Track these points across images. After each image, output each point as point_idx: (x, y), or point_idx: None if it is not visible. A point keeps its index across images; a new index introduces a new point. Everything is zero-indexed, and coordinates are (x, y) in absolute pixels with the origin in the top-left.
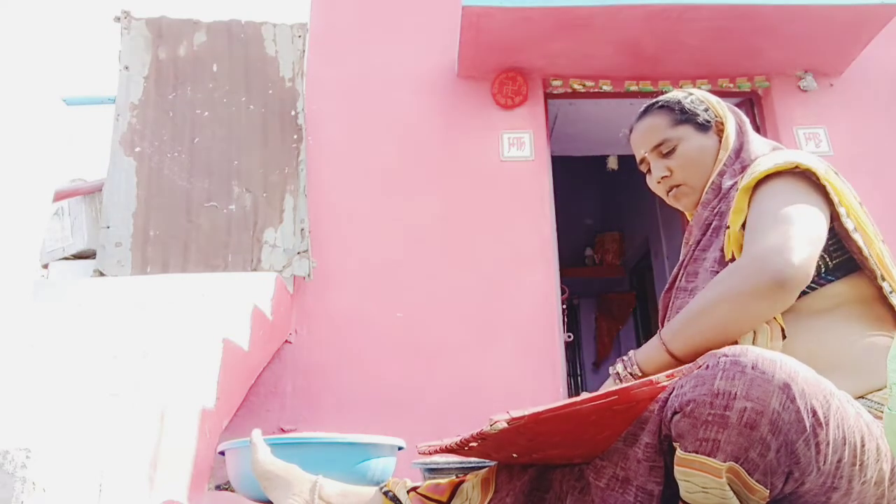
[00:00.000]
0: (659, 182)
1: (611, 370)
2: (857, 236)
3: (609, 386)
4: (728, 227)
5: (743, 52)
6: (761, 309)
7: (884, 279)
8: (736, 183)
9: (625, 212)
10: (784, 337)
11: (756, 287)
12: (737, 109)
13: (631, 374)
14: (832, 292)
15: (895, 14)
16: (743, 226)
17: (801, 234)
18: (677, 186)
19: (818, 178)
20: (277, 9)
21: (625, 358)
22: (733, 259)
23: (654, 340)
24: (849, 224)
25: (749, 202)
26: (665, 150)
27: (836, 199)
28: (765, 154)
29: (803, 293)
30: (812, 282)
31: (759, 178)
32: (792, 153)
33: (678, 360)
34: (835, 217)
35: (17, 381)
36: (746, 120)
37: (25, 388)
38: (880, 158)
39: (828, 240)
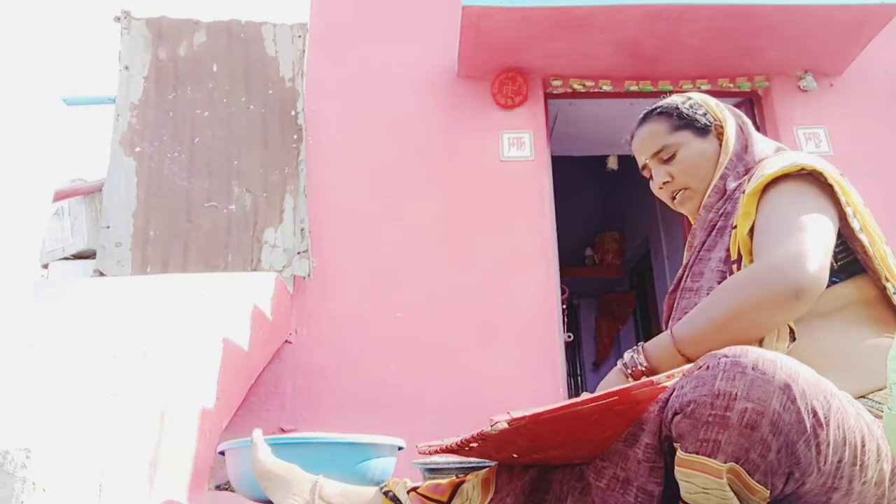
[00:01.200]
0: (661, 188)
1: (619, 363)
2: (862, 236)
3: (611, 380)
4: (734, 228)
5: (743, 52)
6: (778, 318)
7: (888, 279)
8: (741, 185)
9: (625, 212)
10: (793, 339)
11: (774, 297)
12: (738, 111)
13: (642, 369)
14: (837, 294)
15: (895, 14)
16: (750, 231)
17: (815, 243)
18: (682, 191)
19: (826, 179)
20: (277, 9)
21: (634, 353)
22: (739, 259)
23: (665, 342)
24: (855, 224)
25: (757, 206)
26: (665, 156)
27: (843, 200)
28: (769, 156)
29: None
30: None
31: (767, 182)
32: (798, 155)
33: (689, 360)
34: (842, 217)
35: (17, 381)
36: (748, 121)
37: (25, 388)
38: (880, 158)
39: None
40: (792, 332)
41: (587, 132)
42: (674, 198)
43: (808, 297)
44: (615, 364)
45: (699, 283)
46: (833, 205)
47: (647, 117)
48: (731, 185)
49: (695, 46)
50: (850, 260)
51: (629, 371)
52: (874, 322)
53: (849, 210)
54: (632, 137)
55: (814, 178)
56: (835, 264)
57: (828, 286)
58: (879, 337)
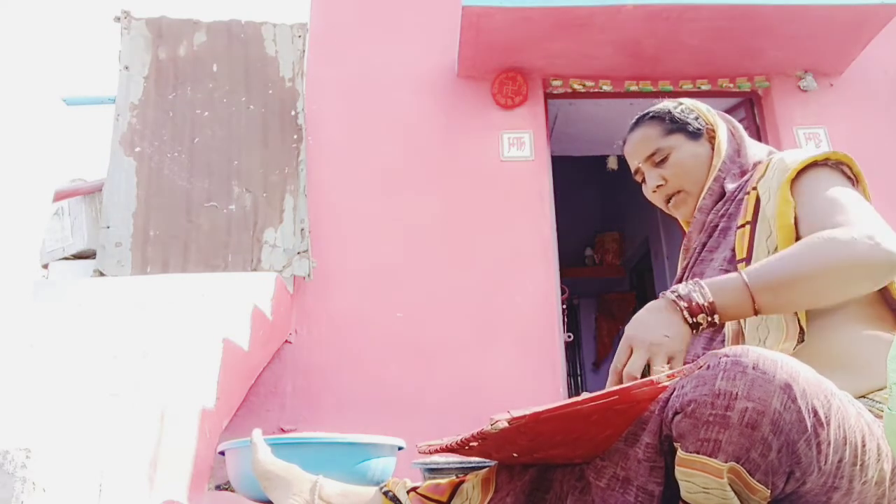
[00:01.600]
0: (654, 191)
1: (671, 294)
2: None
3: (658, 307)
4: (741, 227)
5: (743, 52)
6: (864, 285)
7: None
8: (741, 185)
9: (625, 212)
10: (801, 340)
11: (873, 262)
12: (728, 116)
13: (701, 306)
14: None
15: (895, 14)
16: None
17: (887, 226)
18: (676, 194)
19: (852, 170)
20: (277, 9)
21: (695, 288)
22: (747, 258)
23: (735, 282)
24: None
25: (793, 194)
26: (658, 160)
27: (865, 193)
28: (762, 158)
29: None
30: None
31: (800, 168)
32: (811, 149)
33: (756, 311)
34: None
35: (17, 381)
36: (739, 125)
37: (25, 388)
38: (880, 158)
39: None
40: (801, 332)
41: (587, 132)
42: (668, 201)
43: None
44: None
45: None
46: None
47: (639, 122)
48: (730, 186)
49: (695, 46)
50: None
51: (685, 305)
52: (872, 321)
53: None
54: (624, 142)
55: (839, 168)
56: None
57: None
58: (878, 336)
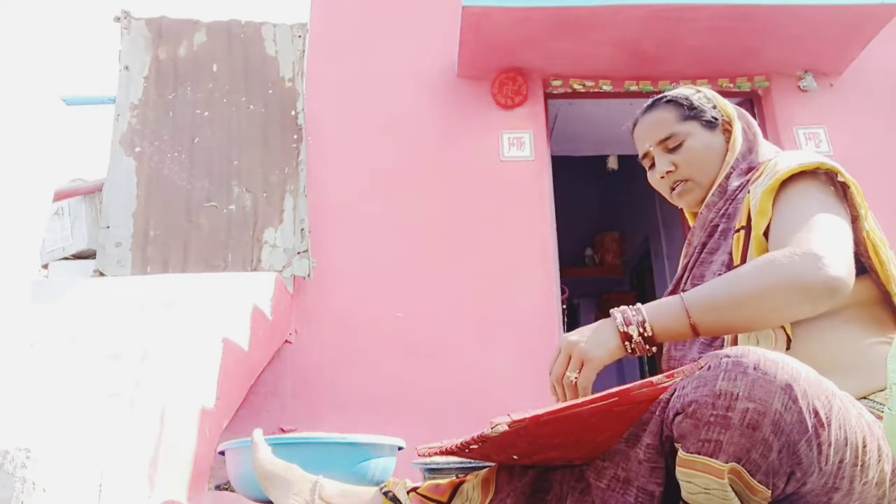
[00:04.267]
0: (663, 177)
1: (614, 313)
2: (875, 239)
3: (601, 330)
4: (737, 231)
5: (743, 52)
6: (803, 309)
7: (890, 282)
8: (743, 185)
9: (625, 212)
10: (788, 347)
11: (810, 285)
12: (744, 112)
13: (642, 336)
14: None
15: (895, 14)
16: (765, 231)
17: (845, 245)
18: (683, 182)
19: (843, 180)
20: (277, 9)
21: (631, 313)
22: (741, 265)
23: (674, 307)
24: (868, 227)
25: (774, 203)
26: (672, 145)
27: (858, 200)
28: (770, 158)
29: None
30: None
31: (785, 178)
32: (810, 153)
33: (695, 334)
34: (855, 219)
35: (17, 381)
36: (754, 122)
37: (25, 388)
38: (880, 158)
39: None
40: (788, 339)
41: (587, 132)
42: (673, 188)
43: (837, 296)
44: (613, 366)
45: (700, 285)
46: (846, 207)
47: (655, 104)
48: (734, 183)
49: (695, 46)
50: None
51: (620, 318)
52: (873, 323)
53: (862, 212)
54: (635, 124)
55: (829, 177)
56: (870, 235)
57: None
58: (881, 338)
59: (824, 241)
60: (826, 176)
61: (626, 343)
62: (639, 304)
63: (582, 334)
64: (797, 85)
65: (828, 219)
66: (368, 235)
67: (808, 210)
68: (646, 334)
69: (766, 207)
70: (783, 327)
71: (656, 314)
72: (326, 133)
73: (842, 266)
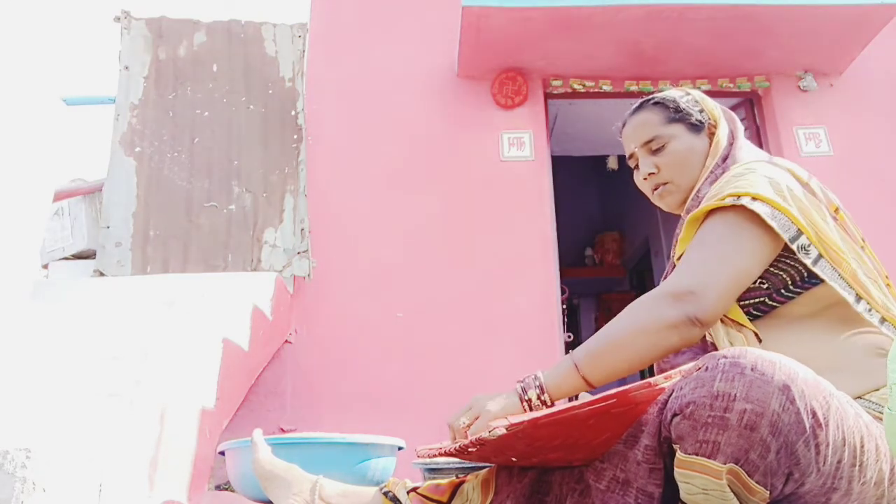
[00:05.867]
0: (645, 178)
1: (518, 388)
2: (821, 265)
3: (505, 404)
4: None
5: (743, 52)
6: (673, 341)
7: (860, 299)
8: (707, 193)
9: (625, 212)
10: (759, 340)
11: (672, 323)
12: (734, 116)
13: (542, 402)
14: (816, 296)
15: (895, 14)
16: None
17: (719, 282)
18: (663, 184)
19: (764, 220)
20: (277, 9)
21: (530, 382)
22: None
23: (566, 367)
24: (811, 255)
25: (696, 232)
26: (655, 147)
27: (790, 235)
28: (737, 173)
29: (787, 299)
30: (795, 287)
31: (708, 211)
32: (752, 179)
33: (591, 386)
34: (794, 249)
35: (17, 381)
36: (741, 127)
37: (25, 388)
38: (880, 158)
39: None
40: (755, 334)
41: (587, 132)
42: (655, 190)
43: (704, 326)
44: None
45: None
46: (771, 236)
47: (642, 106)
48: (705, 190)
49: (695, 46)
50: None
51: (525, 396)
52: (859, 320)
53: (798, 244)
54: (623, 125)
55: (754, 212)
56: (811, 267)
57: (807, 288)
58: (868, 335)
59: (692, 279)
60: (751, 206)
61: (526, 405)
62: (538, 372)
63: (491, 397)
64: (797, 85)
65: (722, 253)
66: (368, 235)
67: (701, 247)
68: (542, 397)
69: (688, 236)
70: (744, 325)
71: (553, 379)
72: (326, 133)
73: (706, 301)
